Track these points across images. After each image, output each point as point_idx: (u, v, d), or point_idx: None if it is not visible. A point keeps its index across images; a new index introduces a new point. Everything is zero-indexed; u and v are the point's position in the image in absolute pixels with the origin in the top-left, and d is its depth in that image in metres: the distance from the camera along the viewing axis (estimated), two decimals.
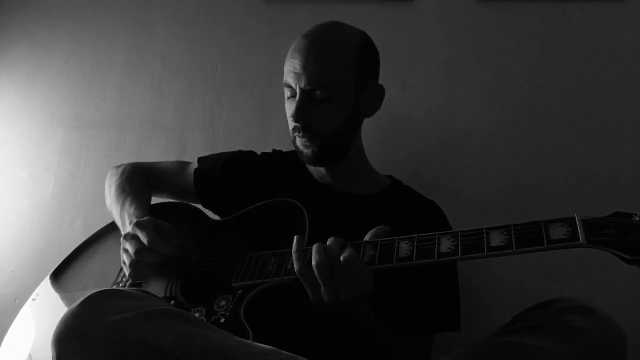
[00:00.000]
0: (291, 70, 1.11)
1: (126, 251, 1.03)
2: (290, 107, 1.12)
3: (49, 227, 1.56)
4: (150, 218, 1.06)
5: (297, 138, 1.12)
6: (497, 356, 0.78)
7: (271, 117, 1.58)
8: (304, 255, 0.88)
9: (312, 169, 1.22)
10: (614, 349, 0.77)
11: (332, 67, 1.10)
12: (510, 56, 1.54)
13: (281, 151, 1.30)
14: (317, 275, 0.85)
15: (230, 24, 1.67)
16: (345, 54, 1.12)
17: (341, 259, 0.84)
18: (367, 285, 0.87)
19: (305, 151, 1.12)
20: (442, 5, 1.59)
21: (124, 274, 1.07)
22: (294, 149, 1.28)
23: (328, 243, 0.88)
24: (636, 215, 0.75)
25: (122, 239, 1.04)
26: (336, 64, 1.11)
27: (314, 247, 0.87)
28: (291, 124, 1.12)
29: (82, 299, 0.75)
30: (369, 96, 1.16)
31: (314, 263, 0.85)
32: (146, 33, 1.69)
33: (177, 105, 1.63)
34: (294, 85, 1.10)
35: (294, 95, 1.11)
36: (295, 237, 0.90)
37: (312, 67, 1.09)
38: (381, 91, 1.19)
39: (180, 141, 1.59)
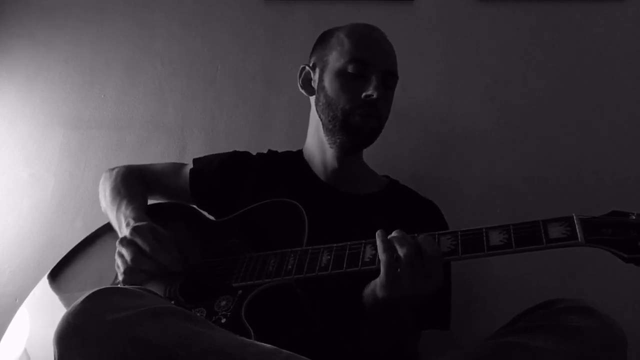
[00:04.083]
0: (370, 48, 1.14)
1: (121, 256, 1.01)
2: (353, 83, 1.12)
3: (49, 227, 1.56)
4: (148, 223, 1.04)
5: (356, 113, 1.11)
6: (497, 356, 0.78)
7: (271, 117, 1.58)
8: (389, 245, 0.84)
9: (318, 167, 1.21)
10: (614, 349, 0.77)
11: (396, 60, 1.20)
12: (510, 56, 1.54)
13: (276, 151, 1.31)
14: (403, 266, 0.81)
15: (230, 24, 1.67)
16: None
17: (428, 250, 0.81)
18: (440, 279, 0.84)
19: (365, 124, 1.12)
20: (442, 5, 1.60)
21: None
22: (288, 149, 1.28)
23: (396, 234, 0.84)
24: (632, 214, 0.75)
25: (117, 242, 1.02)
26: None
27: (398, 239, 0.83)
28: (352, 98, 1.11)
29: (83, 296, 0.75)
30: None
31: (403, 253, 0.81)
32: (146, 33, 1.69)
33: (177, 105, 1.63)
34: (372, 62, 1.12)
35: (362, 73, 1.12)
36: (379, 231, 0.86)
37: (391, 53, 1.18)
38: None
39: (180, 141, 1.60)
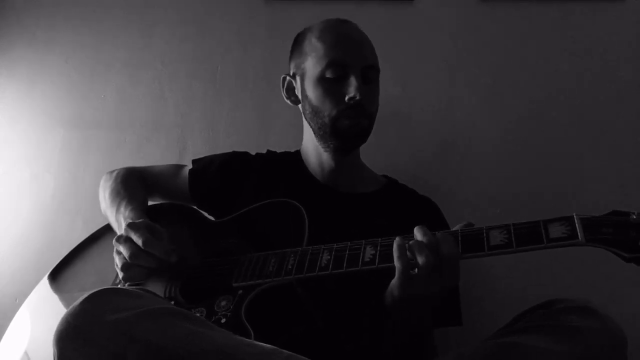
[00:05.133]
0: (345, 47, 1.12)
1: (119, 253, 1.00)
2: (335, 87, 1.11)
3: (49, 227, 1.56)
4: (144, 220, 1.04)
5: (344, 117, 1.11)
6: (497, 356, 0.77)
7: (271, 117, 1.58)
8: (404, 249, 0.84)
9: (315, 169, 1.21)
10: (614, 349, 0.77)
11: (374, 50, 1.17)
12: (510, 56, 1.54)
13: (275, 152, 1.31)
14: (423, 270, 0.82)
15: (230, 24, 1.67)
16: None
17: (447, 252, 0.82)
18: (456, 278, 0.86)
19: (355, 126, 1.11)
20: (442, 5, 1.60)
21: None
22: (288, 149, 1.28)
23: (420, 238, 0.84)
24: (633, 213, 0.75)
25: (114, 241, 1.01)
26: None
27: (417, 245, 0.83)
28: (337, 103, 1.10)
29: (83, 297, 0.75)
30: None
31: (422, 261, 0.82)
32: (146, 33, 1.69)
33: (177, 105, 1.63)
34: (349, 62, 1.10)
35: (341, 75, 1.11)
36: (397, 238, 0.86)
37: (367, 45, 1.16)
38: None
39: (180, 141, 1.60)
